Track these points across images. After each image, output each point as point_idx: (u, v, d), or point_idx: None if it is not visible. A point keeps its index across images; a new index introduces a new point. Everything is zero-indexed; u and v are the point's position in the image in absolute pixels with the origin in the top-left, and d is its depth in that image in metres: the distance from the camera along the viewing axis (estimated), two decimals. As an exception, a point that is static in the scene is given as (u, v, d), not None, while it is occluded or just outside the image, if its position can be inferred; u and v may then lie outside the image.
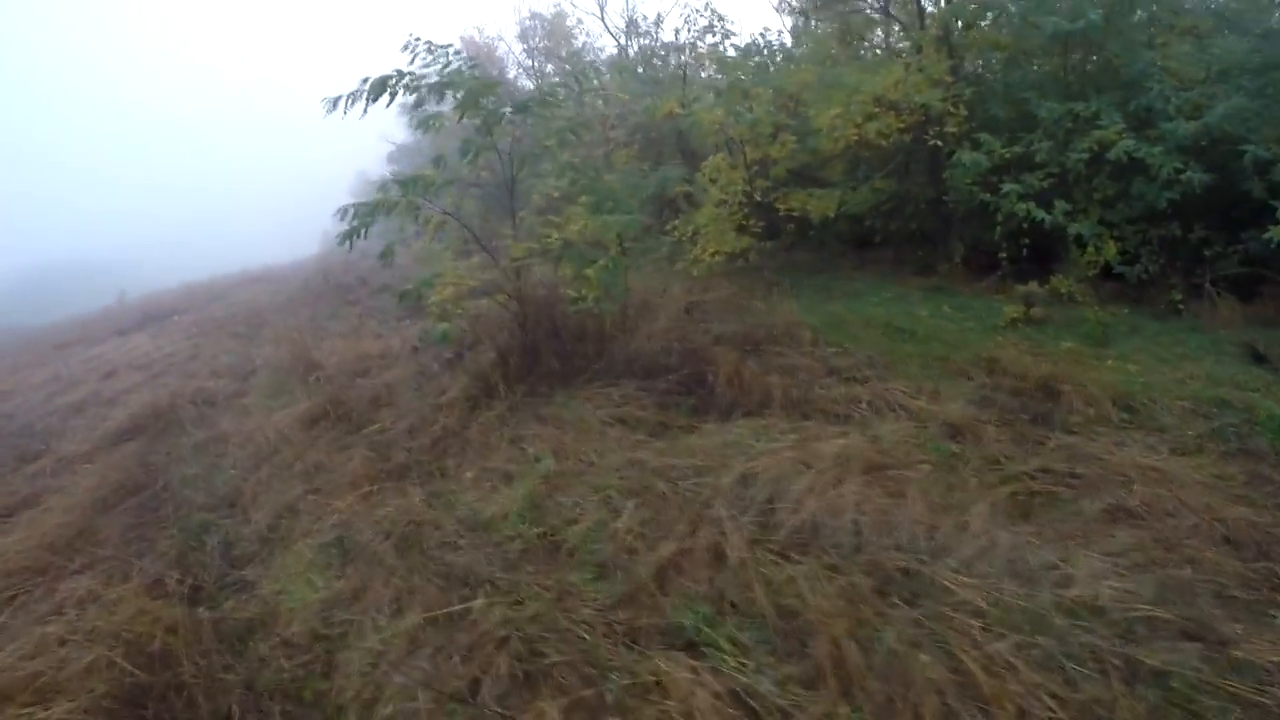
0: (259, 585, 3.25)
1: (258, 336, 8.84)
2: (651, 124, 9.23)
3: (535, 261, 4.79)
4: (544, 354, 4.61)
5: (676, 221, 7.56)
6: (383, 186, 4.78)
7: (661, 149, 9.89)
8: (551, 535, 3.14)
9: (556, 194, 5.33)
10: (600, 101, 9.92)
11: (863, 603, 2.47)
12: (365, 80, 4.56)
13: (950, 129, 6.84)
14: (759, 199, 7.56)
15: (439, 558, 3.08)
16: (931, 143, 6.96)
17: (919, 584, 2.56)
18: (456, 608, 2.72)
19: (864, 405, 4.18)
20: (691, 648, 2.40)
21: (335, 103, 4.55)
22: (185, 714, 2.63)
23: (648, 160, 9.03)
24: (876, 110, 6.80)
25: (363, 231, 4.54)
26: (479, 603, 2.72)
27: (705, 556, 2.80)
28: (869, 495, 3.10)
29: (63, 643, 3.01)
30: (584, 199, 5.12)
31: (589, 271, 4.72)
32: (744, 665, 2.29)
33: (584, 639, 2.48)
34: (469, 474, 3.81)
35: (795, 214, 7.71)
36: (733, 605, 2.56)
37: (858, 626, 2.36)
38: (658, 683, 2.25)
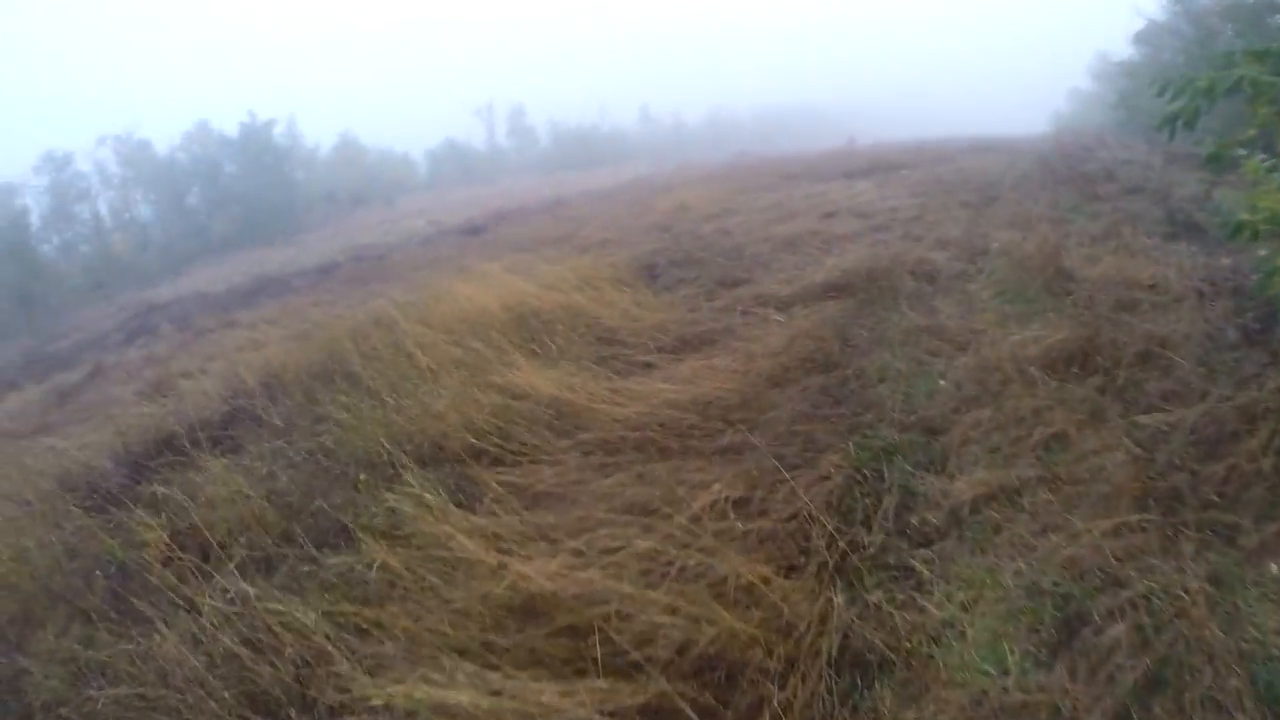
0: (927, 593, 2.32)
1: (989, 212, 7.70)
2: None
3: None
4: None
5: None
6: (1228, 60, 3.40)
7: None
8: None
9: None
10: None
11: None
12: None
13: None
14: None
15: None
16: None
17: None
18: None
19: None
20: None
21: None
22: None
23: None
24: None
25: (1191, 119, 3.30)
26: None
27: None
28: None
29: (649, 568, 2.39)
30: None
31: None
32: None
33: None
34: (1276, 567, 2.24)
35: None
36: None
37: None
38: None
